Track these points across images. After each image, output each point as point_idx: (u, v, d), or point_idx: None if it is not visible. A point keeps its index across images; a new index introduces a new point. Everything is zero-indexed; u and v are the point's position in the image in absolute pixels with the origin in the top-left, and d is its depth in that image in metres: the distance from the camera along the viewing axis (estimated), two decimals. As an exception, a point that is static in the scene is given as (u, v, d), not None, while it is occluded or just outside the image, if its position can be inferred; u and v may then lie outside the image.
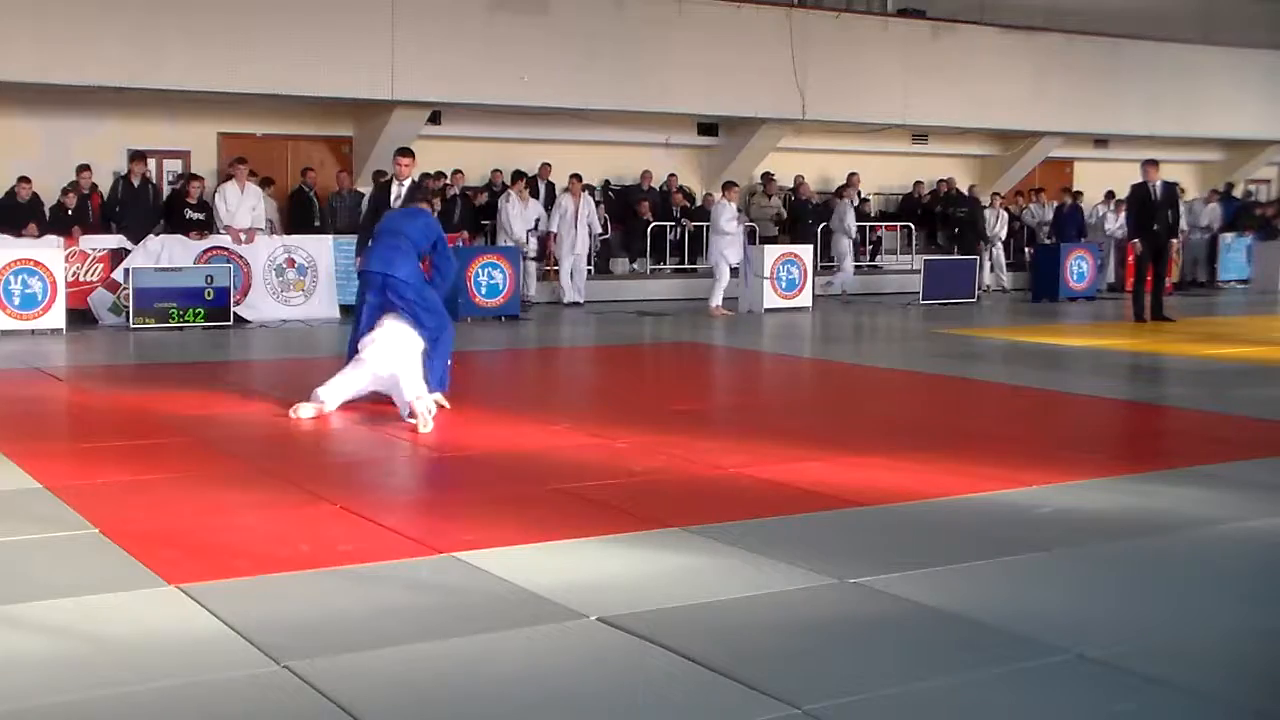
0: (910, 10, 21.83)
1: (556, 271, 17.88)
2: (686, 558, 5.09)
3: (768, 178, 20.72)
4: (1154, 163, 16.21)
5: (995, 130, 23.09)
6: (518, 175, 18.09)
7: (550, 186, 18.71)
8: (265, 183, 16.63)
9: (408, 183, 11.02)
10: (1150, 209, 15.98)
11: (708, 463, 7.08)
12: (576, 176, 17.83)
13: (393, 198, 10.90)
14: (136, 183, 15.29)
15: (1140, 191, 16.07)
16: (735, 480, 6.68)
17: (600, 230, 18.37)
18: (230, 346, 12.89)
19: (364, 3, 17.22)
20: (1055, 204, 21.83)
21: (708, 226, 17.75)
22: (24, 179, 14.90)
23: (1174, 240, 17.38)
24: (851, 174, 20.95)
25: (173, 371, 10.82)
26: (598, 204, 19.13)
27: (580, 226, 17.59)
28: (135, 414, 8.54)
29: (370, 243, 9.22)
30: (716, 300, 16.69)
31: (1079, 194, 22.27)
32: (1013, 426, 8.67)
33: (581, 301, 17.68)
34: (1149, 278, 16.00)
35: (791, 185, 20.77)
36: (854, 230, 20.01)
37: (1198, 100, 23.84)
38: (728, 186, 17.18)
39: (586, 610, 4.34)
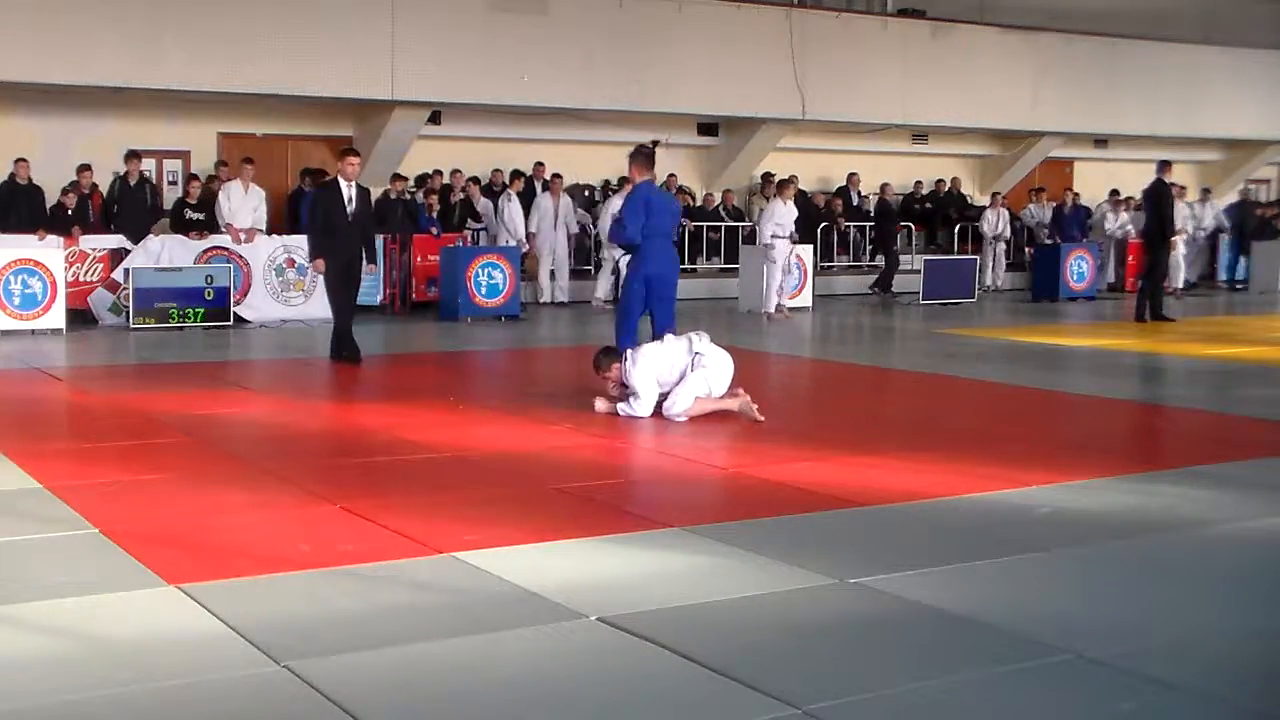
0: (910, 10, 21.81)
1: (534, 271, 17.83)
2: (686, 558, 5.09)
3: (768, 178, 20.73)
4: (1169, 164, 16.31)
5: (995, 130, 23.08)
6: (516, 175, 18.10)
7: (546, 185, 18.67)
8: (317, 175, 16.53)
9: (355, 183, 11.17)
10: (1172, 207, 16.17)
11: (708, 463, 7.08)
12: (558, 176, 17.82)
13: (346, 199, 11.05)
14: (134, 182, 15.29)
15: (1165, 191, 16.11)
16: (735, 480, 6.69)
17: (578, 230, 18.32)
18: (230, 346, 12.89)
19: (364, 3, 17.21)
20: (1054, 204, 21.81)
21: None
22: (21, 160, 14.92)
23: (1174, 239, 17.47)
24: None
25: (173, 371, 10.82)
26: (596, 203, 19.13)
27: (559, 227, 17.56)
28: (135, 414, 8.54)
29: (644, 242, 9.42)
30: (775, 303, 16.58)
31: (1077, 194, 22.33)
32: (1013, 426, 8.67)
33: (566, 301, 17.63)
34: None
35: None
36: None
37: (1198, 100, 23.83)
38: (784, 185, 17.08)
39: (586, 610, 4.34)
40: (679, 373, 8.28)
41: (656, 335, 9.04)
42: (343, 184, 11.14)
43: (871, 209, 22.21)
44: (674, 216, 10.10)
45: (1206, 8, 23.96)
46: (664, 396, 8.30)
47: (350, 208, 11.12)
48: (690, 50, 19.27)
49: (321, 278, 11.65)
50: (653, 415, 8.21)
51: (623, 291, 9.86)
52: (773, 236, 16.48)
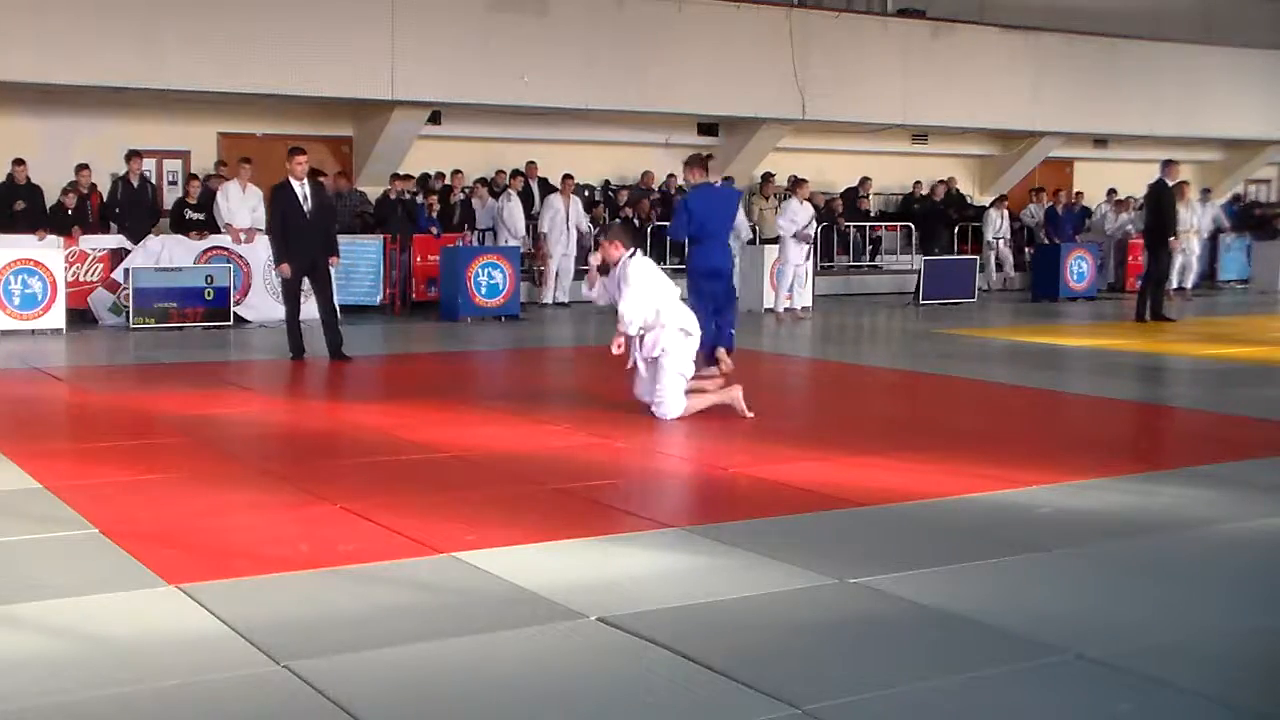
0: (910, 10, 21.83)
1: (543, 271, 17.81)
2: (686, 558, 5.09)
3: (768, 178, 20.74)
4: (1173, 163, 16.29)
5: (995, 130, 23.09)
6: (515, 174, 18.10)
7: (544, 183, 18.67)
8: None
9: (306, 180, 11.22)
10: (1173, 208, 16.16)
11: (708, 463, 7.08)
12: (569, 176, 17.82)
13: (300, 198, 11.13)
14: (135, 182, 15.30)
15: (1166, 191, 16.10)
16: (735, 480, 6.69)
17: (586, 230, 18.32)
18: (230, 346, 12.89)
19: (364, 3, 17.21)
20: (1048, 204, 21.81)
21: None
22: (19, 161, 14.90)
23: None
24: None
25: (173, 371, 10.81)
26: (596, 204, 19.12)
27: (571, 227, 17.55)
28: (135, 414, 8.54)
29: (703, 242, 10.53)
30: (790, 304, 16.59)
31: (1080, 194, 22.37)
32: (1013, 426, 8.67)
33: (566, 301, 17.60)
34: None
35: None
36: None
37: (1198, 100, 23.83)
38: (799, 185, 17.03)
39: (586, 610, 4.34)
40: (655, 311, 8.24)
41: (717, 325, 10.17)
42: (295, 184, 11.19)
43: (871, 209, 22.31)
44: (729, 217, 10.99)
45: (1206, 8, 23.98)
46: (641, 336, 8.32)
47: (306, 206, 11.18)
48: (690, 50, 19.27)
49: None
50: (648, 415, 8.21)
51: (688, 283, 10.63)
52: (793, 235, 16.47)
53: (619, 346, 8.42)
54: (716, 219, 10.54)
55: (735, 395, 8.33)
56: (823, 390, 11.06)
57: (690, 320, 8.41)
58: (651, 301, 8.26)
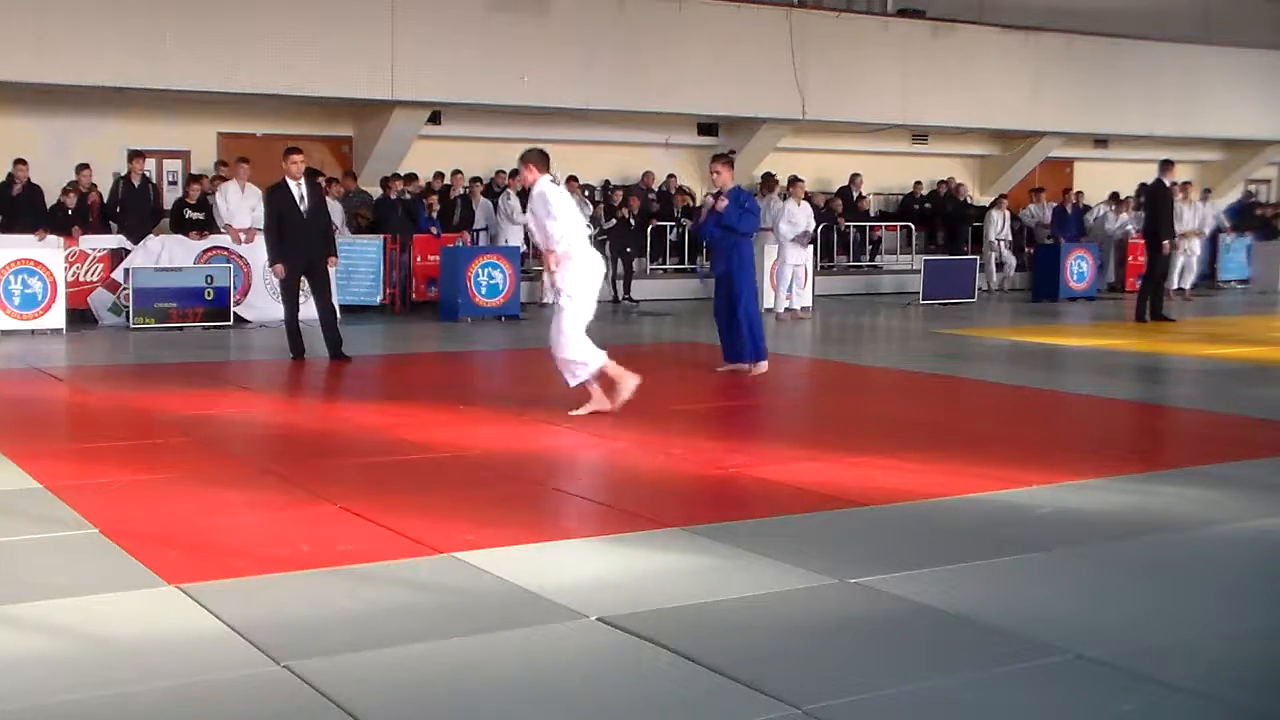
0: (910, 10, 21.84)
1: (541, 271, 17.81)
2: (686, 558, 5.09)
3: (767, 178, 20.73)
4: (1171, 163, 16.29)
5: (995, 130, 23.09)
6: (515, 173, 18.08)
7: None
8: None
9: (303, 180, 11.21)
10: (1171, 208, 16.13)
11: (708, 463, 7.08)
12: (573, 178, 17.80)
13: (297, 198, 11.12)
14: (137, 182, 15.30)
15: (1164, 191, 16.08)
16: (735, 480, 6.69)
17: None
18: (230, 346, 12.89)
19: (364, 3, 17.21)
20: (1055, 204, 21.81)
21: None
22: (20, 162, 14.89)
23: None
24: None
25: (173, 371, 10.82)
26: (596, 204, 19.11)
27: None
28: (135, 414, 8.54)
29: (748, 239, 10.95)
30: (790, 305, 16.57)
31: (1080, 194, 22.38)
32: (1013, 426, 8.67)
33: None
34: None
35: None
36: None
37: (1198, 100, 23.84)
38: (794, 184, 17.01)
39: (586, 610, 4.34)
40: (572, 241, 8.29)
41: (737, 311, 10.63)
42: (291, 184, 11.19)
43: (870, 209, 22.31)
44: None
45: (1206, 8, 23.98)
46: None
47: (303, 206, 11.18)
48: (690, 50, 19.27)
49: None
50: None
51: (750, 279, 10.91)
52: (791, 239, 16.46)
53: (553, 265, 8.49)
54: None
55: (630, 382, 8.34)
56: (822, 390, 11.06)
57: (594, 264, 8.44)
58: (571, 228, 8.29)
